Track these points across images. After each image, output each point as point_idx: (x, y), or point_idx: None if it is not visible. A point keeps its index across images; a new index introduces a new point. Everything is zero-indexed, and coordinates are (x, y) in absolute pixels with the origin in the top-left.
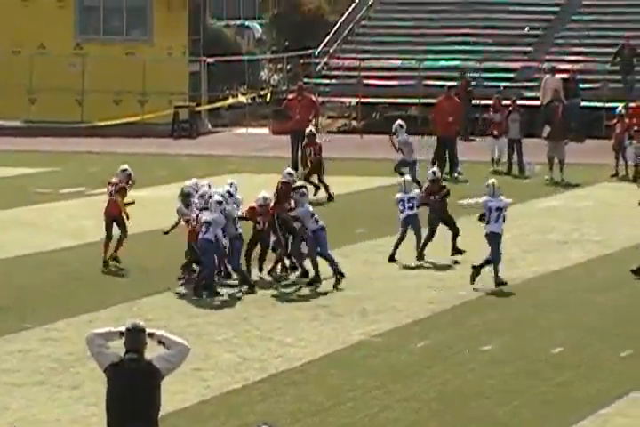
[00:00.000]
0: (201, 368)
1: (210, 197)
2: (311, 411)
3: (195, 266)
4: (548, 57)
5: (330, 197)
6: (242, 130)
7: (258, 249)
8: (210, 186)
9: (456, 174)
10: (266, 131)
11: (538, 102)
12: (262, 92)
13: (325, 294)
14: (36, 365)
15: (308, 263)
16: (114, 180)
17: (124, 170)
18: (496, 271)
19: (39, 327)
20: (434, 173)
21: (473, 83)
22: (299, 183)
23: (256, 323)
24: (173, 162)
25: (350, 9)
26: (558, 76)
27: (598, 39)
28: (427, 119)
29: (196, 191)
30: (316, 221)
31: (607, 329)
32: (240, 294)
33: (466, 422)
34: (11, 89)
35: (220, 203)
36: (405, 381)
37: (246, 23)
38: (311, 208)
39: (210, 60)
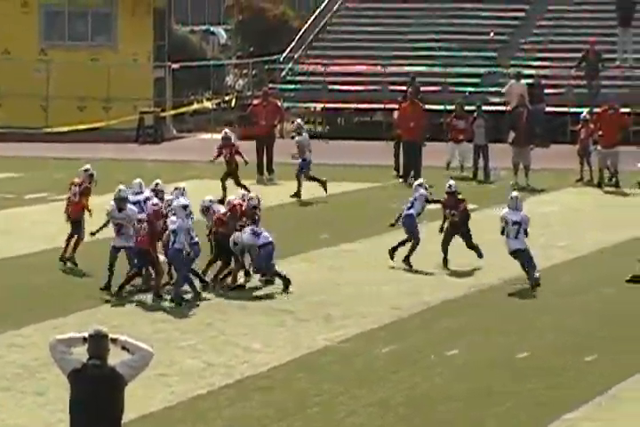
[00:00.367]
0: (166, 374)
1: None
2: (277, 416)
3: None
4: (513, 62)
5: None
6: (207, 135)
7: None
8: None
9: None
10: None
11: (503, 108)
12: (227, 98)
13: (291, 299)
14: (1, 371)
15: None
16: (76, 180)
17: (87, 170)
18: (533, 279)
19: (4, 333)
20: (450, 185)
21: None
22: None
23: (221, 328)
24: (137, 167)
25: (315, 14)
26: (523, 81)
27: (563, 44)
28: (391, 124)
29: (137, 194)
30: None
31: (572, 333)
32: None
33: (434, 426)
34: None
35: (185, 207)
36: (371, 386)
37: (211, 29)
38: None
39: (175, 65)
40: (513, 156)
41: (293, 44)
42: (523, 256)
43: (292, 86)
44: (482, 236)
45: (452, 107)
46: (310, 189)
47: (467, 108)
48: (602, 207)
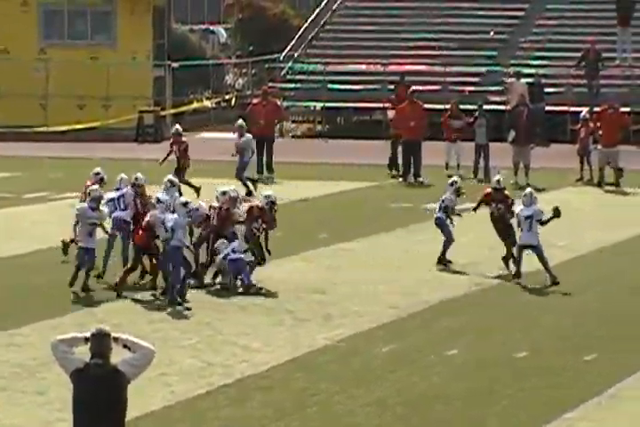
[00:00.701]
0: (165, 373)
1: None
2: (276, 416)
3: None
4: (512, 61)
5: (197, 191)
6: (206, 134)
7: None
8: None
9: (421, 179)
10: (230, 135)
11: (503, 107)
12: (227, 97)
13: (290, 299)
14: None
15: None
16: (88, 183)
17: (97, 173)
18: (551, 276)
19: (3, 333)
20: (498, 181)
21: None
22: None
23: (220, 328)
24: (137, 166)
25: (315, 13)
26: (523, 80)
27: (563, 43)
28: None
29: (117, 190)
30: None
31: (571, 333)
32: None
33: (432, 425)
34: None
35: (185, 204)
36: (369, 385)
37: (211, 28)
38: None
39: (174, 64)
40: (513, 155)
41: (293, 42)
42: (534, 252)
43: (292, 85)
44: (482, 235)
45: (448, 106)
46: (308, 189)
47: (467, 107)
48: (602, 207)
